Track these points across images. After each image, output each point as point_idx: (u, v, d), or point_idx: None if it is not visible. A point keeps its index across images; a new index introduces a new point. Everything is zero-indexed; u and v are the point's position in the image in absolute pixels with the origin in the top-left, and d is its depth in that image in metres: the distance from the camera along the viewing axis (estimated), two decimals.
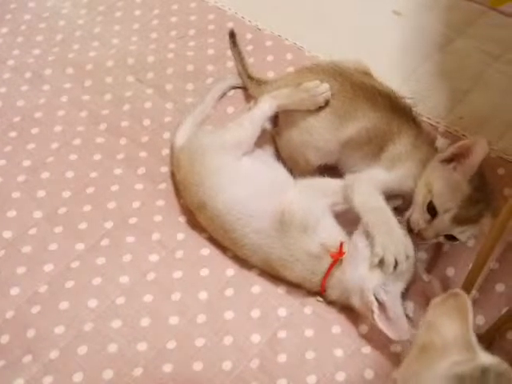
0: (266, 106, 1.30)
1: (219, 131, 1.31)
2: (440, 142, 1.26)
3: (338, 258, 1.15)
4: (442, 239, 1.17)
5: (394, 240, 1.13)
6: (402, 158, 1.20)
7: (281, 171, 1.27)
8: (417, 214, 1.16)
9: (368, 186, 1.17)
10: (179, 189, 1.31)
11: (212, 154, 1.25)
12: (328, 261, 1.15)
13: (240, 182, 1.22)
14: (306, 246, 1.16)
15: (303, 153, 1.28)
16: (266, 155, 1.32)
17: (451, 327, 0.76)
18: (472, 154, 1.12)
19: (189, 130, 1.36)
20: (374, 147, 1.23)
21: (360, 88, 1.26)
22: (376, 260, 1.12)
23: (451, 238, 1.16)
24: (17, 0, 1.74)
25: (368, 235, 1.14)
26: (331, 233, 1.18)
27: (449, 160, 1.16)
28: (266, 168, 1.27)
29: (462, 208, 1.12)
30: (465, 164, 1.13)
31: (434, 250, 1.25)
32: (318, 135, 1.26)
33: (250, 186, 1.21)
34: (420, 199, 1.16)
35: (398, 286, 1.15)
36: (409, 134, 1.23)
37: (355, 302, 1.13)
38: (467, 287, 1.12)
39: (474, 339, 0.75)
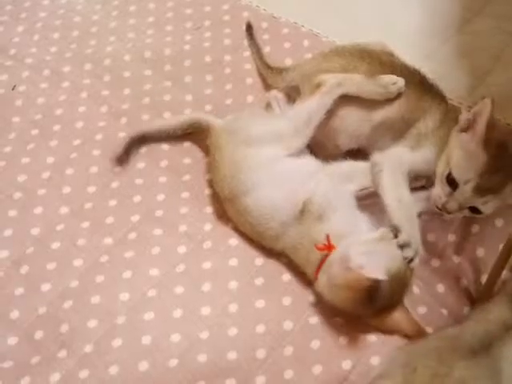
0: (328, 97, 1.24)
1: (270, 121, 1.27)
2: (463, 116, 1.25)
3: (323, 249, 1.12)
4: (466, 212, 1.15)
5: (415, 238, 1.12)
6: (429, 136, 1.20)
7: (309, 160, 1.26)
8: (438, 188, 1.15)
9: (395, 170, 1.17)
10: (212, 171, 1.30)
11: (257, 148, 1.22)
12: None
13: (275, 181, 1.20)
14: (314, 235, 1.15)
15: (334, 138, 1.27)
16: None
17: None
18: (478, 116, 1.10)
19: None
20: (403, 126, 1.22)
21: (390, 67, 1.26)
22: (401, 242, 1.10)
23: (475, 210, 1.14)
24: None
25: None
26: (343, 224, 1.16)
27: (465, 129, 1.14)
28: (297, 161, 1.24)
29: (482, 177, 1.10)
30: (476, 129, 1.11)
31: (462, 232, 1.25)
32: (351, 120, 1.25)
33: (283, 185, 1.20)
34: (440, 172, 1.15)
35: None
36: (438, 111, 1.22)
37: (335, 271, 1.09)
38: (497, 269, 1.13)
39: None
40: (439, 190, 1.15)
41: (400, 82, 1.23)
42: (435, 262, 1.22)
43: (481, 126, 1.09)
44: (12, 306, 1.17)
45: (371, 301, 1.06)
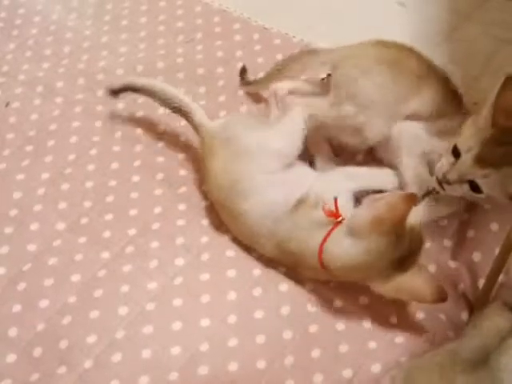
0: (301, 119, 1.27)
1: (264, 132, 1.26)
2: None
3: (331, 215, 1.10)
4: (466, 189, 1.13)
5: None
6: (449, 133, 1.20)
7: (305, 168, 1.27)
8: (442, 161, 1.16)
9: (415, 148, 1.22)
10: (205, 177, 1.29)
11: (251, 160, 1.22)
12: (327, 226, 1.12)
13: (271, 188, 1.20)
14: (311, 217, 1.14)
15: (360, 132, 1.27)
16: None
17: None
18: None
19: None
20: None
21: (424, 64, 1.28)
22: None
23: (476, 189, 1.12)
24: (22, 15, 1.74)
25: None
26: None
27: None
28: (293, 170, 1.24)
29: (484, 147, 1.09)
30: (486, 107, 1.11)
31: (458, 237, 1.26)
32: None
33: (279, 192, 1.20)
34: (448, 145, 1.16)
35: None
36: (461, 115, 1.23)
37: (357, 219, 1.07)
38: (495, 272, 1.13)
39: None
40: (443, 161, 1.15)
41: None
42: (431, 268, 1.22)
43: (491, 99, 1.09)
44: (10, 324, 1.16)
45: (394, 243, 1.04)
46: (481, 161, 1.09)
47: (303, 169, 1.27)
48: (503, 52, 1.54)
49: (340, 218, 1.10)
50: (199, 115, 1.33)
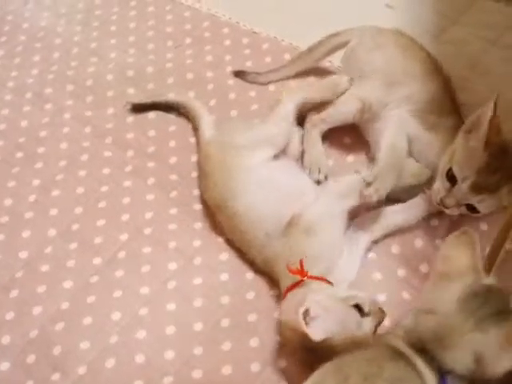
0: (289, 105, 1.32)
1: (252, 129, 1.32)
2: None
3: (295, 273, 1.09)
4: (463, 210, 1.18)
5: (384, 183, 1.18)
6: (441, 130, 1.26)
7: (303, 179, 1.27)
8: (438, 183, 1.19)
9: (403, 128, 1.27)
10: (202, 182, 1.31)
11: (245, 154, 1.25)
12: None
13: (265, 186, 1.21)
14: (296, 248, 1.14)
15: None
16: (291, 162, 1.31)
17: (463, 258, 0.91)
18: (482, 117, 1.14)
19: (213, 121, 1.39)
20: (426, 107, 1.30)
21: (433, 60, 1.37)
22: (366, 179, 1.18)
23: (472, 209, 1.17)
24: (10, 22, 1.74)
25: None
26: (326, 246, 1.15)
27: (469, 131, 1.18)
28: (289, 175, 1.26)
29: (480, 176, 1.13)
30: (479, 130, 1.14)
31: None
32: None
33: (273, 192, 1.21)
34: (441, 167, 1.19)
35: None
36: (455, 115, 1.30)
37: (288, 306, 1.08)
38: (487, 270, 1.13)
39: (481, 266, 0.91)
40: (439, 185, 1.19)
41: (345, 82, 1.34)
42: (424, 267, 1.23)
43: (483, 126, 1.13)
44: (3, 331, 1.17)
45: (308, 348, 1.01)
46: (476, 188, 1.14)
47: (302, 180, 1.27)
48: (491, 53, 1.56)
49: (305, 278, 1.10)
50: (204, 128, 1.38)
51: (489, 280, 0.90)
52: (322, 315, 1.00)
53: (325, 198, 1.20)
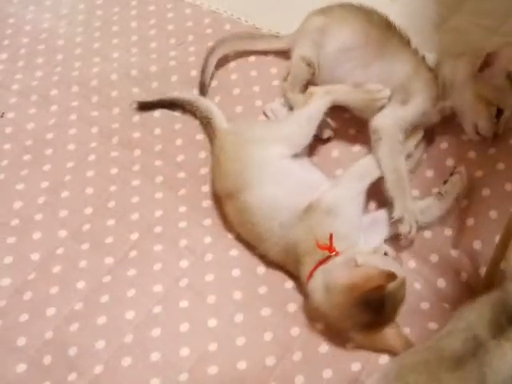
0: (321, 103, 1.30)
1: (273, 124, 1.33)
2: (430, 57, 1.37)
3: (324, 249, 1.12)
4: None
5: (409, 210, 1.20)
6: (413, 82, 1.30)
7: (316, 174, 1.28)
8: (484, 122, 1.27)
9: (393, 138, 1.26)
10: (215, 172, 1.31)
11: (262, 147, 1.25)
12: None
13: (279, 180, 1.22)
14: (317, 230, 1.14)
15: None
16: (303, 159, 1.32)
17: None
18: (499, 57, 1.25)
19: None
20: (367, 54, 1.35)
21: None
22: (395, 219, 1.19)
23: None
24: (13, 25, 1.74)
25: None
26: (348, 225, 1.17)
27: (481, 69, 1.26)
28: (305, 170, 1.27)
29: None
30: (495, 67, 1.25)
31: (458, 226, 1.27)
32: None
33: (286, 186, 1.22)
34: (484, 113, 1.26)
35: None
36: (409, 54, 1.34)
37: (339, 272, 1.09)
38: (496, 260, 1.14)
39: None
40: (486, 123, 1.27)
41: (385, 90, 1.31)
42: (434, 258, 1.23)
43: (499, 59, 1.25)
44: (18, 334, 1.17)
45: (367, 308, 1.06)
46: None
47: (317, 175, 1.28)
48: (493, 42, 1.55)
49: (333, 253, 1.12)
50: (219, 120, 1.38)
51: None
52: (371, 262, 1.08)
53: (343, 181, 1.22)
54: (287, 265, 1.21)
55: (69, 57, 1.64)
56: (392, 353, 1.09)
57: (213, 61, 1.53)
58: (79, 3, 1.78)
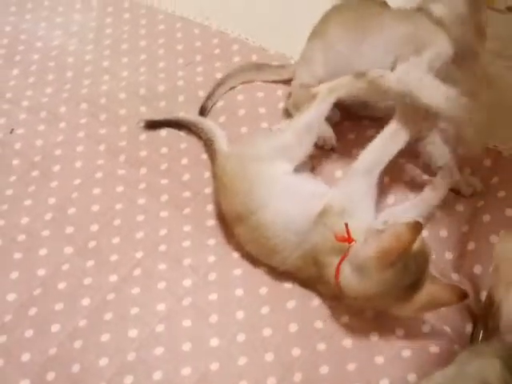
0: (322, 106, 1.30)
1: (274, 137, 1.33)
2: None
3: (343, 240, 1.12)
4: None
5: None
6: (419, 36, 1.30)
7: (319, 183, 1.30)
8: None
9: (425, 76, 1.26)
10: (220, 195, 1.32)
11: (268, 164, 1.26)
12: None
13: (289, 193, 1.23)
14: (334, 229, 1.14)
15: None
16: (306, 171, 1.34)
17: None
18: None
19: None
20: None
21: None
22: None
23: None
24: (24, 41, 1.77)
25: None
26: (362, 220, 1.17)
27: None
28: (308, 180, 1.30)
29: None
30: None
31: (459, 250, 1.28)
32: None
33: (297, 196, 1.23)
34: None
35: None
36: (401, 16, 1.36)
37: (365, 247, 1.09)
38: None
39: None
40: None
41: (388, 75, 1.30)
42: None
43: None
44: (22, 349, 1.18)
45: (406, 269, 1.06)
46: None
47: (318, 182, 1.30)
48: (496, 65, 1.57)
49: (353, 243, 1.12)
50: (220, 143, 1.40)
51: None
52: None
53: (351, 179, 1.23)
54: (302, 271, 1.21)
55: (78, 74, 1.67)
56: (445, 305, 1.12)
57: (220, 92, 1.55)
58: (90, 21, 1.82)
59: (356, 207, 1.18)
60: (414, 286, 1.09)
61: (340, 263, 1.13)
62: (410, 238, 1.05)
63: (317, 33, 1.46)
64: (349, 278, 1.11)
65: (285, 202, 1.22)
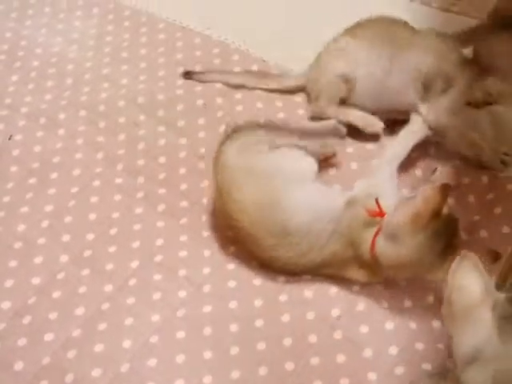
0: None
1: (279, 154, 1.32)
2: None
3: (375, 215, 1.18)
4: None
5: None
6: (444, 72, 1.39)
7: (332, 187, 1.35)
8: None
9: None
10: (233, 208, 1.25)
11: (282, 174, 1.27)
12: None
13: (312, 200, 1.25)
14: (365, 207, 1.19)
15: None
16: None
17: (476, 284, 0.92)
18: None
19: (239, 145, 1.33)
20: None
21: None
22: None
23: None
24: (25, 47, 1.77)
25: None
26: (389, 198, 1.21)
27: None
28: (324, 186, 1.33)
29: None
30: None
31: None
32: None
33: (319, 199, 1.26)
34: None
35: None
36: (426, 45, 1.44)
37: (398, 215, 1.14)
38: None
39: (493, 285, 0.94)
40: None
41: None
42: (430, 298, 1.24)
43: None
44: (16, 358, 1.18)
45: (439, 234, 1.11)
46: None
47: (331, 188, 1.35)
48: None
49: (385, 216, 1.17)
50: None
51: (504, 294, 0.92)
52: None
53: (374, 170, 1.31)
54: (338, 255, 1.22)
55: (78, 81, 1.67)
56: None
57: (216, 77, 1.62)
58: (90, 28, 1.82)
59: (382, 191, 1.23)
60: (447, 250, 1.12)
61: (375, 236, 1.17)
62: (439, 200, 1.10)
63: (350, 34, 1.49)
64: (384, 248, 1.15)
65: (310, 206, 1.24)
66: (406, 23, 1.47)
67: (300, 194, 1.25)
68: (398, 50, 1.42)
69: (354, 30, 1.50)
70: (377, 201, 1.18)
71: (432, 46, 1.41)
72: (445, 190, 1.11)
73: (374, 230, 1.18)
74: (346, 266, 1.23)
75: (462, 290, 0.94)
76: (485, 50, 1.38)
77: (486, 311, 0.90)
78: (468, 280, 0.94)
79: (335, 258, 1.23)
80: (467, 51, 1.41)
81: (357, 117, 1.45)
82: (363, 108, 1.46)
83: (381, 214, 1.18)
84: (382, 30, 1.46)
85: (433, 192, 1.11)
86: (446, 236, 1.12)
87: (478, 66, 1.38)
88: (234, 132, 1.34)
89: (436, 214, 1.11)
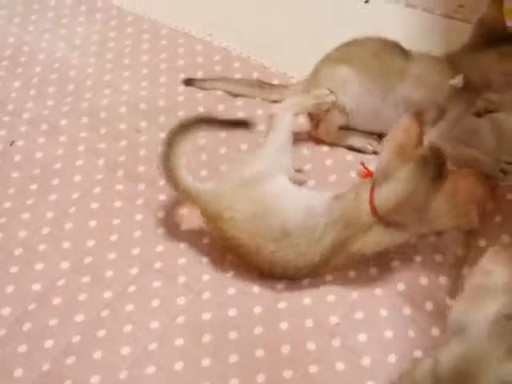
0: (284, 125, 1.33)
1: (261, 156, 1.32)
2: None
3: (366, 176, 1.22)
4: None
5: None
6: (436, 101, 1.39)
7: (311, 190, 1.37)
8: None
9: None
10: (222, 230, 1.25)
11: (271, 179, 1.27)
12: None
13: (299, 198, 1.27)
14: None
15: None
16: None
17: (502, 274, 0.92)
18: None
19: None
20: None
21: None
22: None
23: None
24: (27, 53, 1.78)
25: None
26: None
27: None
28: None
29: None
30: None
31: (453, 275, 1.28)
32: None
33: (309, 199, 1.27)
34: None
35: None
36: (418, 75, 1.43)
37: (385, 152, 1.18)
38: None
39: None
40: None
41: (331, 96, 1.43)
42: (429, 306, 1.24)
43: None
44: (15, 364, 1.19)
45: (428, 163, 1.13)
46: None
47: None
48: None
49: (374, 175, 1.21)
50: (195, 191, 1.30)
51: None
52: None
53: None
54: (336, 240, 1.22)
55: (80, 87, 1.68)
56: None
57: (216, 85, 1.64)
58: (93, 34, 1.83)
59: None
60: (439, 178, 1.15)
61: (372, 192, 1.19)
62: (416, 127, 1.15)
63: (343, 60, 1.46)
64: (381, 194, 1.18)
65: (299, 202, 1.25)
66: (399, 46, 1.44)
67: (290, 194, 1.27)
68: (391, 81, 1.41)
69: (349, 56, 1.46)
70: (362, 163, 1.25)
71: (424, 78, 1.40)
72: (418, 117, 1.15)
73: (368, 190, 1.20)
74: (346, 246, 1.23)
75: (489, 273, 0.94)
76: (475, 73, 1.36)
77: (494, 305, 0.89)
78: (500, 270, 0.94)
79: (333, 246, 1.23)
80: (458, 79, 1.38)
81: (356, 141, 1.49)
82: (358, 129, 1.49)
83: (369, 173, 1.22)
84: (377, 57, 1.44)
85: (409, 121, 1.15)
86: (433, 163, 1.14)
87: (472, 92, 1.37)
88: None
89: (419, 141, 1.15)
